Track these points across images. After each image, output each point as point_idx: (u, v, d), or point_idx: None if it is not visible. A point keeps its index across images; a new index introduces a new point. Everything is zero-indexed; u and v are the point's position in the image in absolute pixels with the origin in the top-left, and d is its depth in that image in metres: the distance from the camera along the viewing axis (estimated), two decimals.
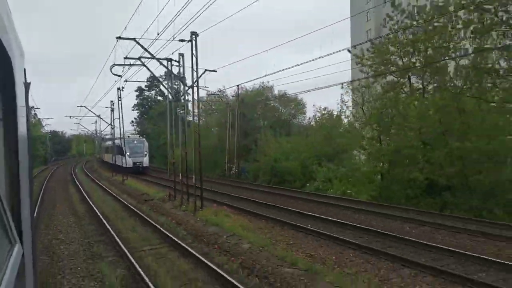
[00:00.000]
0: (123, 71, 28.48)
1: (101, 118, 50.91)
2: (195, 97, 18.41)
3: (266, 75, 42.90)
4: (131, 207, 18.35)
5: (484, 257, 9.35)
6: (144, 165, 42.41)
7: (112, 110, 40.89)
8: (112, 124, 42.63)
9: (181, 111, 24.24)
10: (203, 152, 44.60)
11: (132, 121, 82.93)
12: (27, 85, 1.79)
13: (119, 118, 35.97)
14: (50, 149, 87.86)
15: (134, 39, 17.09)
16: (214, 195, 22.62)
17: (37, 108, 55.95)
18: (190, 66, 17.59)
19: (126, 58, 18.72)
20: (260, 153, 34.85)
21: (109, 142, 50.81)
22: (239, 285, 7.64)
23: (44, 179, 35.46)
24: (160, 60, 18.61)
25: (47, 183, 32.11)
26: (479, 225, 13.30)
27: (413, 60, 20.53)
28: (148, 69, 19.84)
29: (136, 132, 66.24)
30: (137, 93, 79.21)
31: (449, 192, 17.34)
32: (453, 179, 16.74)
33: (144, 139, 46.79)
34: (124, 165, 39.01)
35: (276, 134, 36.73)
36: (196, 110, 21.00)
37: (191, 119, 31.87)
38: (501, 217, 14.70)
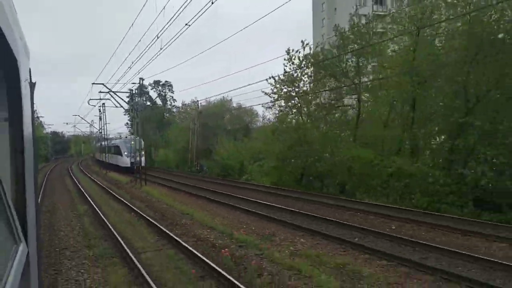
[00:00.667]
0: (98, 102, 37.57)
1: (92, 125, 60.68)
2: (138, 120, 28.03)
3: (226, 92, 52.83)
4: (104, 187, 28.19)
5: (302, 211, 18.69)
6: (141, 165, 45.84)
7: (100, 118, 50.83)
8: (100, 130, 52.47)
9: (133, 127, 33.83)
10: (175, 152, 54.17)
11: (127, 123, 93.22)
12: (32, 85, 1.80)
13: (104, 126, 45.89)
14: (51, 148, 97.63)
15: (103, 83, 27.17)
16: (169, 182, 32.36)
17: (41, 116, 65.71)
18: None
19: (100, 92, 28.75)
20: (217, 153, 44.66)
21: (106, 142, 53.90)
22: (138, 210, 17.42)
23: (46, 172, 45.30)
24: (119, 94, 28.47)
25: (49, 175, 41.95)
26: (316, 197, 22.53)
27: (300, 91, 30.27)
28: (114, 101, 29.76)
29: (130, 134, 75.85)
30: (128, 99, 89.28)
31: (308, 179, 27.21)
32: (307, 171, 26.62)
33: (141, 139, 50.23)
34: (121, 165, 40.96)
35: (236, 138, 46.42)
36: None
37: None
38: (332, 192, 24.26)
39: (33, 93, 1.83)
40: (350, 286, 7.52)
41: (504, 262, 8.68)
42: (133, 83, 27.65)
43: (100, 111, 50.90)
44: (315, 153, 25.60)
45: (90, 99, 29.39)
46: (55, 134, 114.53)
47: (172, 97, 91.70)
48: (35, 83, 1.94)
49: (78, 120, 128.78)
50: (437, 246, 10.41)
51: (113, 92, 28.37)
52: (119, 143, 45.03)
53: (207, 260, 9.00)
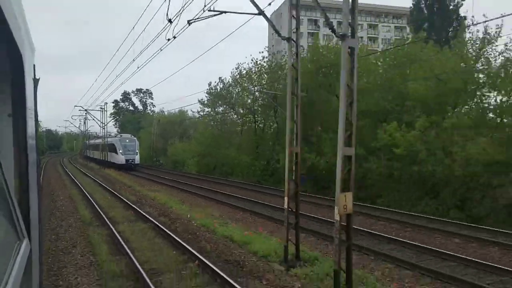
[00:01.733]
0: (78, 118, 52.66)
1: (79, 128, 75.84)
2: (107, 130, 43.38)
3: (185, 106, 67.99)
4: (83, 171, 43.57)
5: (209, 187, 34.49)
6: (136, 162, 46.71)
7: (85, 123, 66.14)
8: (86, 131, 67.74)
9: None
10: (145, 150, 69.33)
11: (114, 124, 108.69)
12: (36, 81, 1.80)
13: (86, 130, 61.10)
14: (46, 145, 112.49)
15: (81, 106, 42.37)
16: (128, 170, 47.77)
17: (40, 121, 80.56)
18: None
19: (80, 110, 44.02)
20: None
21: (100, 140, 56.77)
22: (96, 179, 32.85)
23: (44, 163, 60.58)
24: (93, 113, 43.76)
25: (45, 165, 57.29)
26: (210, 178, 37.97)
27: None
28: (93, 118, 45.04)
29: (118, 133, 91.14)
30: (113, 104, 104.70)
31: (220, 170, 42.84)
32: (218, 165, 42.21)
33: (135, 138, 50.63)
34: (116, 162, 43.93)
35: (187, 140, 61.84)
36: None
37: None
38: (224, 176, 39.71)
39: (36, 89, 1.80)
40: (152, 191, 23.08)
41: (266, 203, 24.01)
42: (101, 106, 42.28)
43: (84, 118, 65.99)
44: (218, 153, 41.25)
45: (73, 115, 44.57)
46: (49, 131, 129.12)
47: (152, 103, 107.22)
48: (38, 79, 1.97)
49: (68, 124, 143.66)
50: (229, 194, 25.74)
51: (87, 111, 43.85)
52: (114, 141, 47.02)
53: (109, 188, 24.57)
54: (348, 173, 7.67)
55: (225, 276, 7.82)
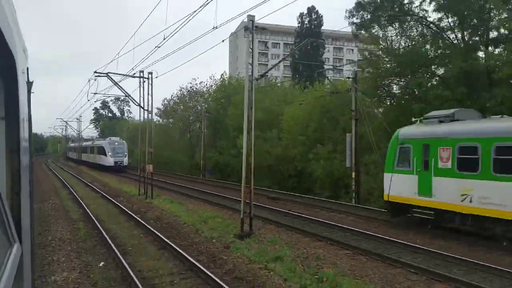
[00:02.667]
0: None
1: (61, 134, 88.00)
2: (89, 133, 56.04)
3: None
4: (64, 168, 56.12)
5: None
6: (124, 164, 48.49)
7: (66, 130, 78.38)
8: (66, 136, 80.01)
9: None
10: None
11: (96, 129, 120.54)
12: (29, 84, 1.76)
13: (66, 136, 73.42)
14: (33, 147, 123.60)
15: (61, 118, 54.81)
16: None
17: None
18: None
19: (61, 121, 56.50)
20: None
21: (89, 143, 60.65)
22: (73, 173, 45.56)
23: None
24: (70, 125, 56.35)
25: (33, 165, 69.60)
26: (165, 173, 50.71)
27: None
28: (71, 127, 57.56)
29: (98, 137, 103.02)
30: (93, 111, 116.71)
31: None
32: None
33: (124, 141, 52.86)
34: (105, 164, 46.56)
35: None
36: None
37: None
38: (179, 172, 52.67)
39: (30, 92, 1.70)
40: (105, 177, 36.06)
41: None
42: (77, 118, 54.99)
43: (65, 127, 78.02)
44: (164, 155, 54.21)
45: (54, 126, 56.56)
46: (35, 135, 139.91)
47: (129, 110, 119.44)
48: (32, 82, 2.00)
49: (52, 130, 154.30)
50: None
51: (67, 122, 56.46)
52: (104, 144, 48.97)
53: (77, 176, 37.46)
54: (151, 157, 21.05)
55: (107, 196, 21.20)
